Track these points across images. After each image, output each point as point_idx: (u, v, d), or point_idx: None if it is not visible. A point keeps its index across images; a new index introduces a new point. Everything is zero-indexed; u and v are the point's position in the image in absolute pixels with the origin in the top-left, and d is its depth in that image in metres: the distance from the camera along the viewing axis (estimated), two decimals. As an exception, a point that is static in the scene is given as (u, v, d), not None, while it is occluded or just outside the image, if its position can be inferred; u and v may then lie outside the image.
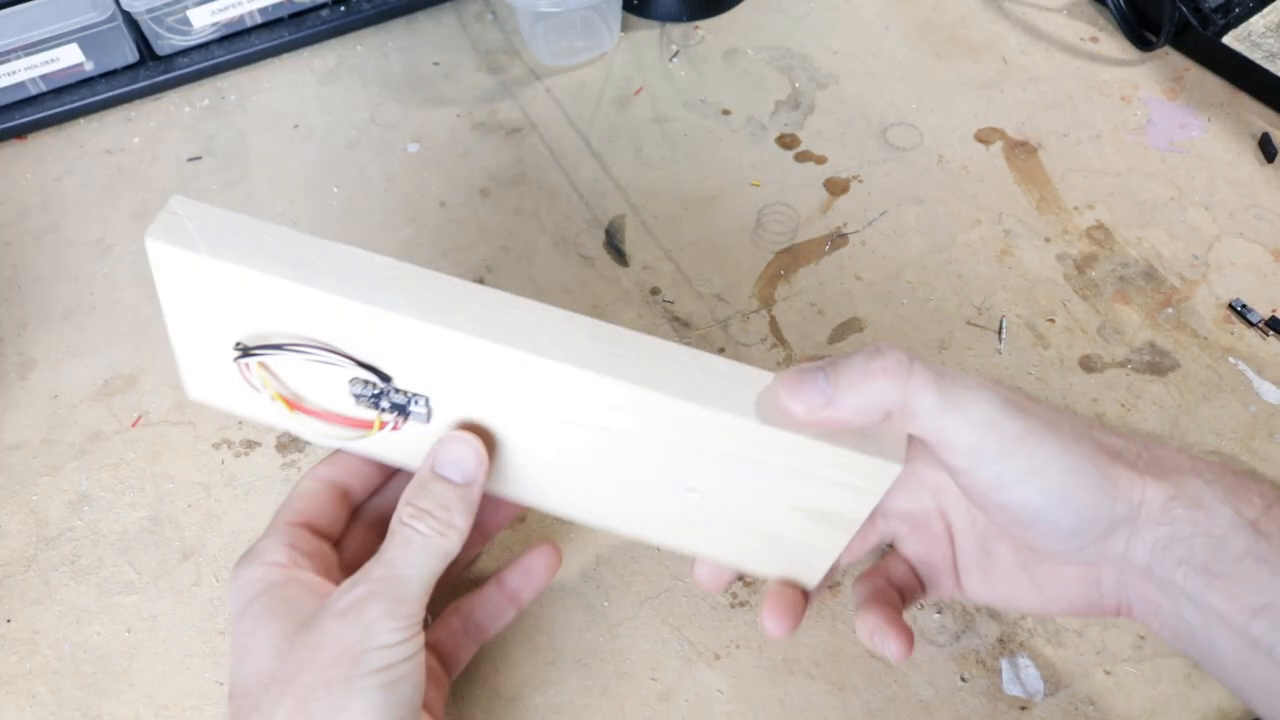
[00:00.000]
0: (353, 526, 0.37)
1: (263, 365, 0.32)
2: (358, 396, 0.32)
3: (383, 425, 0.32)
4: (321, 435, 0.33)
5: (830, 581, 0.38)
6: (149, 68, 0.59)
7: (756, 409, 0.29)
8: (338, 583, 0.32)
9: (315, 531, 0.35)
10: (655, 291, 0.52)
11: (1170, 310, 0.51)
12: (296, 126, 0.59)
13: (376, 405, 0.32)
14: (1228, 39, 0.58)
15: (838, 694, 0.40)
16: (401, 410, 0.32)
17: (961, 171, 0.56)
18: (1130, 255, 0.53)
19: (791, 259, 0.53)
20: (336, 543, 0.36)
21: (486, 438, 0.32)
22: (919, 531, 0.36)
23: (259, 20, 0.60)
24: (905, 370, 0.28)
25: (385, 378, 0.31)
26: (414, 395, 0.32)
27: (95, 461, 0.47)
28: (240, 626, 0.32)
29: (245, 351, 0.31)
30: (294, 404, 0.33)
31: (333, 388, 0.32)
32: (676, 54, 0.62)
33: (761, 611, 0.34)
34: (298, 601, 0.32)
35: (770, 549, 0.33)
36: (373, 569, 0.32)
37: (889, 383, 0.28)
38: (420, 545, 0.31)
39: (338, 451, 0.36)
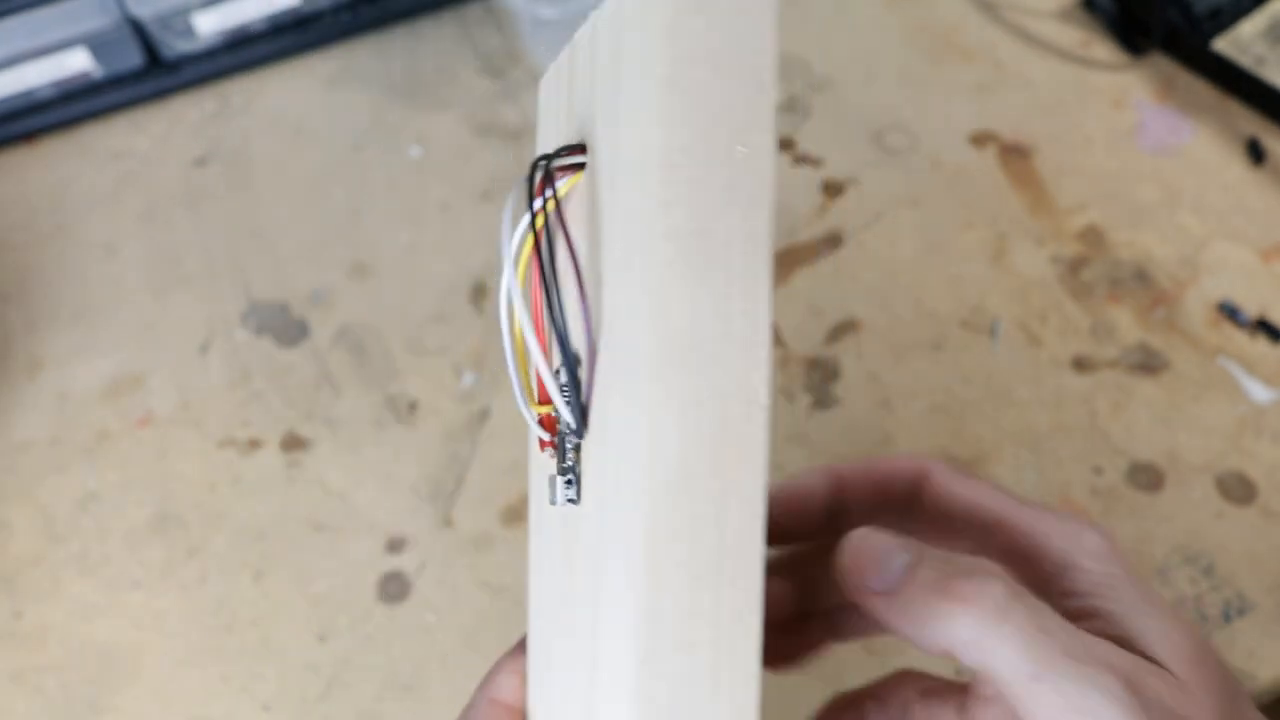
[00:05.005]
0: None
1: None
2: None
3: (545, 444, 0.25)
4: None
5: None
6: (156, 73, 0.60)
7: None
8: None
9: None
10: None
11: (1161, 311, 0.51)
12: (301, 131, 0.60)
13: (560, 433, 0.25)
14: (1217, 44, 0.59)
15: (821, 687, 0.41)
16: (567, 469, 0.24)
17: (956, 175, 0.57)
18: (1122, 257, 0.53)
19: (789, 260, 0.54)
20: None
21: None
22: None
23: (264, 27, 0.61)
24: (998, 613, 0.21)
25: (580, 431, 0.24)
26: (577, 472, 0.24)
27: (103, 460, 0.48)
28: None
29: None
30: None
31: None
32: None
33: None
34: None
35: None
36: None
37: (968, 623, 0.21)
38: None
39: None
